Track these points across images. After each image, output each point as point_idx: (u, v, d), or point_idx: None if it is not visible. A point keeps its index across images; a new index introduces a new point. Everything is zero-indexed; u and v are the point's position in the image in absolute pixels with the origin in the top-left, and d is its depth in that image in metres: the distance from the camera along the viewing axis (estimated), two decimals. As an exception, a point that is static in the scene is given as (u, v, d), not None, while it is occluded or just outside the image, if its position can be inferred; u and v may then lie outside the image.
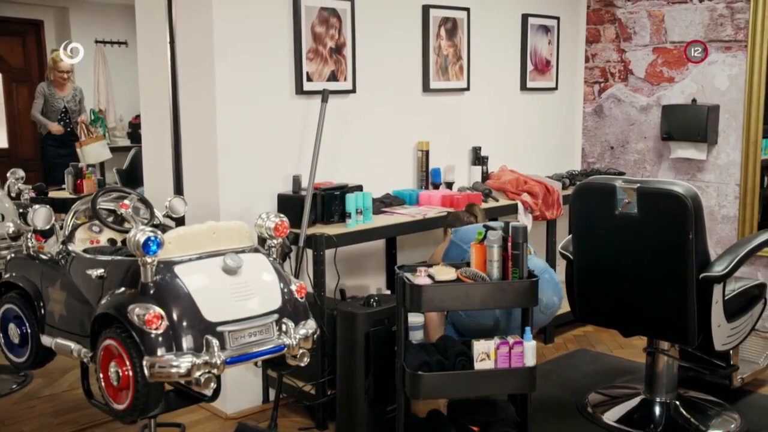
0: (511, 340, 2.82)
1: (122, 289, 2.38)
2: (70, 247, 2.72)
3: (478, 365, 2.80)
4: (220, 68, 3.28)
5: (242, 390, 3.48)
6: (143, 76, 3.78)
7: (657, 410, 3.33)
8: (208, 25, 3.27)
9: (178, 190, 3.50)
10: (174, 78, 3.45)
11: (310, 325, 2.55)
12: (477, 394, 2.99)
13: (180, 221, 3.23)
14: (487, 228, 2.84)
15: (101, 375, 2.43)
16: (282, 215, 2.63)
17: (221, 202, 3.36)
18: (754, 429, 3.25)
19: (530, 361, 2.82)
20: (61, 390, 3.74)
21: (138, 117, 6.54)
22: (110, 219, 2.92)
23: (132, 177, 5.77)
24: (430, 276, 2.78)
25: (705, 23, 4.39)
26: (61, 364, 3.44)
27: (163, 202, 3.13)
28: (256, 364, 2.76)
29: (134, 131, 7.43)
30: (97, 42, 7.50)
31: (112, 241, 2.87)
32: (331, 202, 3.44)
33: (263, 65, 3.43)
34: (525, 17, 4.55)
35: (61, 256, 2.73)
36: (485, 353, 2.79)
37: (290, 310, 2.50)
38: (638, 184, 3.02)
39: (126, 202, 2.84)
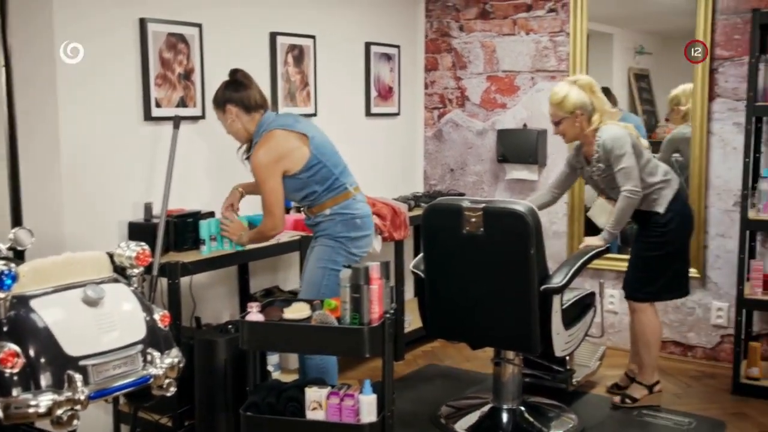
0: (342, 391, 2.68)
1: (-30, 327, 2.24)
2: None
3: (310, 414, 2.63)
4: (62, 93, 3.17)
5: (91, 429, 3.33)
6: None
7: (504, 417, 3.53)
8: (49, 49, 3.14)
9: (17, 220, 3.32)
10: (10, 102, 3.28)
11: (175, 354, 2.51)
12: None
13: (19, 254, 3.07)
14: (347, 267, 2.75)
15: (-54, 420, 2.26)
16: (143, 244, 2.58)
17: (66, 232, 3.23)
18: (588, 426, 3.53)
19: (366, 417, 2.62)
20: None
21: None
22: (-53, 253, 2.72)
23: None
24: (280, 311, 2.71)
25: (531, 54, 4.75)
26: None
27: (-3, 233, 2.96)
28: (106, 400, 2.67)
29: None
30: None
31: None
32: (184, 229, 3.40)
33: (109, 90, 3.35)
34: (368, 45, 4.72)
35: None
36: (317, 402, 2.63)
37: (155, 339, 2.44)
38: (484, 204, 3.22)
39: (-33, 234, 2.66)
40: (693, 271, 4.31)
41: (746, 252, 3.89)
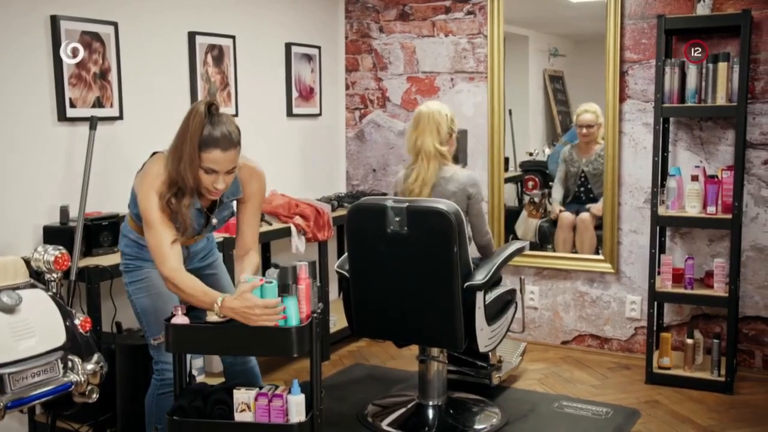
0: (270, 392, 2.64)
1: None
2: None
3: (238, 416, 2.59)
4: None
5: (6, 440, 3.22)
6: None
7: (430, 413, 3.57)
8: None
9: None
10: None
11: (97, 360, 2.45)
12: None
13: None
14: (275, 266, 2.69)
15: None
16: (61, 248, 2.51)
17: (-23, 237, 3.11)
18: (512, 420, 3.61)
19: (295, 417, 2.59)
20: None
21: None
22: None
23: None
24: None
25: (451, 56, 4.83)
26: None
27: None
28: (21, 410, 2.58)
29: None
30: None
31: None
32: (102, 232, 3.32)
33: (19, 90, 3.23)
34: (288, 46, 4.70)
35: None
36: (245, 404, 2.60)
37: (75, 345, 2.38)
38: (407, 203, 3.25)
39: None
40: (608, 266, 4.48)
41: (657, 247, 4.06)
